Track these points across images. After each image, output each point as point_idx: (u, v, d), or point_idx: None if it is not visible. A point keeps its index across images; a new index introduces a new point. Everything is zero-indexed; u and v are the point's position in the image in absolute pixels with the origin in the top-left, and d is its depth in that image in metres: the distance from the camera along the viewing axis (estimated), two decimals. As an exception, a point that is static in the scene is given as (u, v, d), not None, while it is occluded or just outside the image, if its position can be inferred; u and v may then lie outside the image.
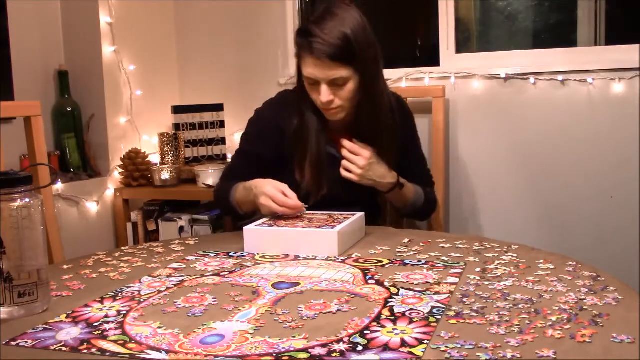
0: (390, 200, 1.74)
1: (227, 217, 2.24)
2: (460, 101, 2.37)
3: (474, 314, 0.96)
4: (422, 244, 1.41)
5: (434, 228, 2.21)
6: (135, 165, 2.44)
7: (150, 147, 2.62)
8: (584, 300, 1.00)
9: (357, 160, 1.60)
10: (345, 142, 1.61)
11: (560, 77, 2.23)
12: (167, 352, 0.86)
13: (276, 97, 1.78)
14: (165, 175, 2.41)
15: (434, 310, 0.98)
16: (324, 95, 1.55)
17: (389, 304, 1.01)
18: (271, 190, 1.48)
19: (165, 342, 0.89)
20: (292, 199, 1.47)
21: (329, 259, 1.31)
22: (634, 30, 2.40)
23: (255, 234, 1.40)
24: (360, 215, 1.52)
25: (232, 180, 1.68)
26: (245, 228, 1.42)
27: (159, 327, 0.95)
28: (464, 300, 1.02)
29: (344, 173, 1.61)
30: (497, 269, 1.20)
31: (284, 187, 1.49)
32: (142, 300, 1.08)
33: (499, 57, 2.39)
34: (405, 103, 1.83)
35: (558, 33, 2.81)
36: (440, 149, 2.24)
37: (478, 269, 1.20)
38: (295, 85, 1.69)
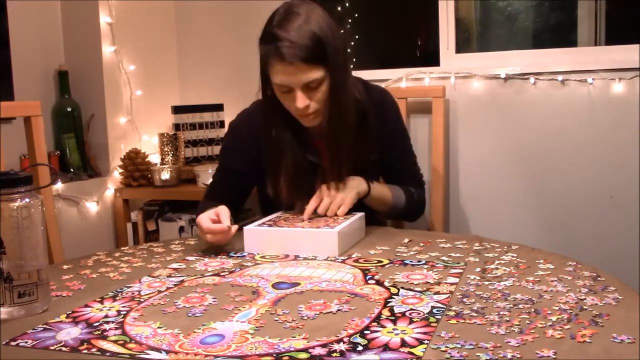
0: (371, 205, 1.62)
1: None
2: (460, 101, 2.37)
3: (474, 314, 0.96)
4: (422, 244, 1.41)
5: (434, 228, 2.22)
6: (135, 165, 2.44)
7: (150, 147, 2.62)
8: (584, 300, 1.00)
9: (331, 198, 1.50)
10: (306, 212, 1.48)
11: (560, 77, 2.23)
12: (167, 352, 0.86)
13: (251, 107, 1.71)
14: (165, 175, 2.41)
15: (434, 310, 0.98)
16: (300, 101, 1.45)
17: (389, 304, 1.01)
18: (200, 219, 1.39)
19: (165, 342, 0.89)
20: (222, 221, 1.38)
21: (329, 259, 1.31)
22: (634, 30, 2.40)
23: (255, 234, 1.40)
24: (360, 215, 1.52)
25: (213, 199, 1.63)
26: (245, 228, 1.42)
27: (159, 327, 0.95)
28: (464, 300, 1.02)
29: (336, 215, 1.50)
30: (497, 269, 1.20)
31: (221, 210, 1.40)
32: (142, 300, 1.08)
33: (499, 57, 2.39)
34: (388, 96, 1.70)
35: (558, 33, 2.81)
36: (440, 149, 2.24)
37: (478, 269, 1.20)
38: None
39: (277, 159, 1.57)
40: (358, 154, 1.57)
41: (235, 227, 1.39)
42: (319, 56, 1.42)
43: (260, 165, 1.64)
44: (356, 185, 1.56)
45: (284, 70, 1.42)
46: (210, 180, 1.77)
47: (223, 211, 1.41)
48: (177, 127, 2.62)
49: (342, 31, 1.56)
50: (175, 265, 1.31)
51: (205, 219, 1.39)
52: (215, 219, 1.40)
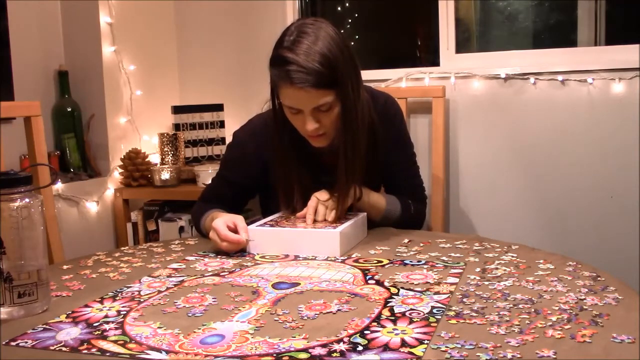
0: (363, 210, 1.57)
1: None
2: (460, 101, 2.37)
3: (474, 314, 0.96)
4: (422, 244, 1.41)
5: (433, 228, 2.22)
6: (135, 165, 2.44)
7: (150, 147, 2.62)
8: (584, 300, 1.00)
9: (321, 206, 1.48)
10: (308, 219, 1.47)
11: (560, 77, 2.23)
12: (167, 352, 0.86)
13: (255, 121, 1.67)
14: (165, 175, 2.41)
15: (434, 310, 0.98)
16: (310, 123, 1.43)
17: (389, 304, 1.01)
18: (217, 224, 1.38)
19: (165, 342, 0.89)
20: (239, 232, 1.38)
21: (329, 259, 1.31)
22: (634, 30, 2.40)
23: (256, 234, 1.40)
24: (362, 215, 1.52)
25: (209, 203, 1.63)
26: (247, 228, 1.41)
27: (159, 327, 0.95)
28: (464, 300, 1.02)
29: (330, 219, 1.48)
30: (497, 269, 1.20)
31: (238, 219, 1.41)
32: (142, 300, 1.08)
33: (499, 57, 2.39)
34: (392, 104, 1.67)
35: (558, 33, 2.81)
36: (440, 149, 2.24)
37: (478, 269, 1.20)
38: (269, 109, 1.56)
39: (288, 178, 1.55)
40: (366, 168, 1.55)
41: (249, 241, 1.39)
42: (329, 80, 1.39)
43: (262, 180, 1.64)
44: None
45: (294, 95, 1.40)
46: (209, 182, 1.76)
47: (241, 223, 1.40)
48: (177, 127, 2.62)
49: (352, 43, 1.50)
50: (175, 265, 1.31)
51: (222, 226, 1.38)
52: (232, 227, 1.40)
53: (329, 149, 1.54)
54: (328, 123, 1.46)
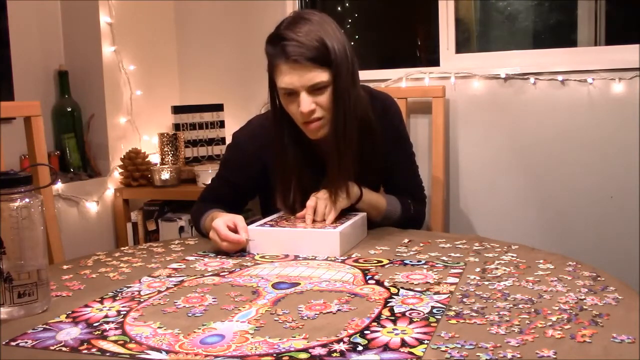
0: (363, 210, 1.57)
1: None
2: (460, 101, 2.37)
3: (474, 314, 0.96)
4: (422, 244, 1.41)
5: (433, 228, 2.22)
6: (135, 165, 2.44)
7: (150, 147, 2.62)
8: (584, 300, 1.00)
9: (320, 206, 1.47)
10: (307, 219, 1.46)
11: (560, 77, 2.23)
12: (167, 352, 0.86)
13: (254, 122, 1.67)
14: (165, 175, 2.41)
15: (434, 310, 0.98)
16: (305, 104, 1.41)
17: (389, 304, 1.01)
18: (218, 223, 1.38)
19: (165, 342, 0.89)
20: (239, 232, 1.38)
21: (329, 259, 1.31)
22: (634, 30, 2.40)
23: (256, 234, 1.40)
24: (362, 215, 1.52)
25: (209, 203, 1.63)
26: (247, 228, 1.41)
27: (159, 327, 0.95)
28: (464, 300, 1.02)
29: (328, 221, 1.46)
30: (497, 269, 1.20)
31: (238, 219, 1.41)
32: (142, 300, 1.08)
33: (499, 57, 2.39)
34: (392, 104, 1.66)
35: (558, 33, 2.81)
36: (440, 149, 2.24)
37: (478, 269, 1.20)
38: (268, 110, 1.56)
39: (288, 178, 1.55)
40: (362, 166, 1.54)
41: (249, 241, 1.39)
42: (325, 59, 1.40)
43: (261, 181, 1.64)
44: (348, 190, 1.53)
45: (290, 70, 1.40)
46: (209, 182, 1.76)
47: (241, 222, 1.40)
48: (177, 127, 2.62)
49: (352, 43, 1.52)
50: (175, 265, 1.31)
51: (222, 225, 1.38)
52: (232, 227, 1.40)
53: (327, 149, 1.53)
54: (324, 106, 1.44)
